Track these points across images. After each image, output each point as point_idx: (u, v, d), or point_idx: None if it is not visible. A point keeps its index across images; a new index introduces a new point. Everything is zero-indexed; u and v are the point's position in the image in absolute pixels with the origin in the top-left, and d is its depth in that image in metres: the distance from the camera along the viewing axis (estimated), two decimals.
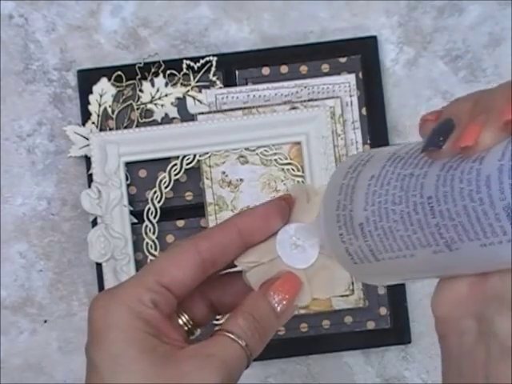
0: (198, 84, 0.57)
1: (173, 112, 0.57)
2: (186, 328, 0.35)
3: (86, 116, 0.57)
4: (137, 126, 0.57)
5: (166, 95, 0.57)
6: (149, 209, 0.57)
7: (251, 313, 0.34)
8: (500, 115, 0.26)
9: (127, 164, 0.57)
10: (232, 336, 0.33)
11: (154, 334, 0.32)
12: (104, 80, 0.57)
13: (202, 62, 0.57)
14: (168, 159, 0.57)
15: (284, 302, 0.34)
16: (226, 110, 0.57)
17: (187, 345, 0.33)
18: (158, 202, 0.57)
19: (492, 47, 0.59)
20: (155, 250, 0.57)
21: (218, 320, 0.44)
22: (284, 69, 0.58)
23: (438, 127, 0.28)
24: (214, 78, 0.57)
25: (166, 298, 0.33)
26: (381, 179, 0.29)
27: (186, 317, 0.35)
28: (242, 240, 0.35)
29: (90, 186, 0.57)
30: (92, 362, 0.32)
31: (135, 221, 0.57)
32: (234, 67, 0.58)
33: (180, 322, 0.35)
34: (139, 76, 0.57)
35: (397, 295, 0.57)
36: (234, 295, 0.36)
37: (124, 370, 0.31)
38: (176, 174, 0.57)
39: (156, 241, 0.57)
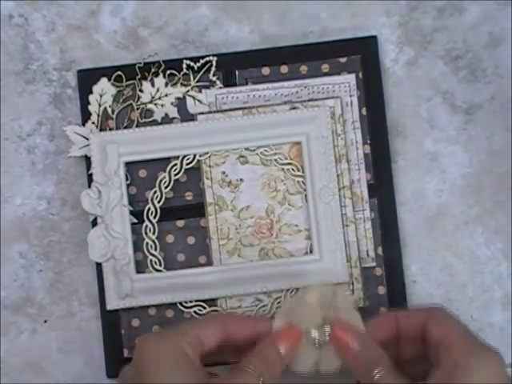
0: (198, 84, 0.57)
1: (173, 112, 0.57)
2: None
3: (86, 116, 0.57)
4: (137, 126, 0.57)
5: (166, 95, 0.57)
6: (149, 209, 0.57)
7: (269, 354, 0.47)
8: None
9: (127, 164, 0.57)
10: (251, 371, 0.45)
11: (194, 367, 0.44)
12: (104, 80, 0.57)
13: (202, 61, 0.57)
14: (168, 159, 0.57)
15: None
16: (226, 110, 0.57)
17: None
18: (158, 201, 0.57)
19: (492, 47, 0.59)
20: (155, 249, 0.57)
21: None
22: (284, 69, 0.58)
23: None
24: (214, 78, 0.57)
25: (200, 345, 0.46)
26: None
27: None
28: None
29: (89, 186, 0.57)
30: None
31: (135, 221, 0.57)
32: (234, 67, 0.58)
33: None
34: (139, 76, 0.57)
35: (397, 295, 0.57)
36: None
37: None
38: (176, 174, 0.57)
39: (156, 241, 0.57)
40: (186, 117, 0.57)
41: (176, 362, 0.44)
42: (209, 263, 0.57)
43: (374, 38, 0.58)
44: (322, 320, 0.49)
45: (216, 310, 0.56)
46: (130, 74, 0.57)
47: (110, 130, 0.57)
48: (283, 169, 0.57)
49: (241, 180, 0.57)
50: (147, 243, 0.57)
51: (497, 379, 0.44)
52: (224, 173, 0.57)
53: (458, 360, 0.45)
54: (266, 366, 0.46)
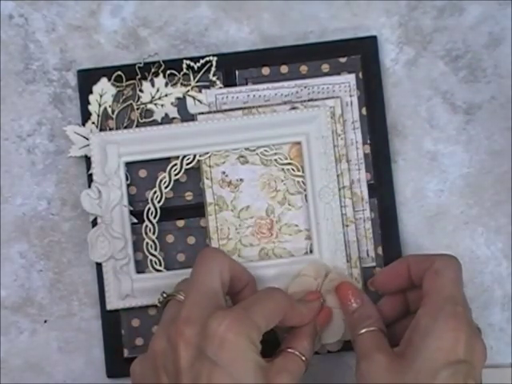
0: (198, 84, 0.57)
1: (173, 112, 0.57)
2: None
3: (86, 116, 0.57)
4: (137, 126, 0.57)
5: (166, 95, 0.57)
6: (149, 209, 0.57)
7: (310, 336, 0.50)
8: None
9: (127, 164, 0.57)
10: (299, 354, 0.49)
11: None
12: (104, 80, 0.57)
13: (202, 61, 0.57)
14: (168, 159, 0.57)
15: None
16: (226, 110, 0.57)
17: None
18: (158, 201, 0.57)
19: (492, 47, 0.59)
20: (155, 249, 0.57)
21: None
22: (284, 69, 0.58)
23: None
24: (214, 78, 0.57)
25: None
26: None
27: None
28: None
29: (89, 186, 0.57)
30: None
31: (135, 221, 0.57)
32: (234, 67, 0.58)
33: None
34: (139, 76, 0.57)
35: None
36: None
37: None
38: (176, 174, 0.57)
39: (156, 241, 0.57)
40: (186, 117, 0.57)
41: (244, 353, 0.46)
42: None
43: (373, 38, 0.58)
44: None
45: None
46: (129, 74, 0.57)
47: (110, 130, 0.57)
48: (283, 169, 0.57)
49: (241, 180, 0.57)
50: (147, 243, 0.57)
51: (446, 355, 0.44)
52: (224, 173, 0.57)
53: (420, 322, 0.46)
54: (310, 346, 0.50)
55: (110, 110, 0.57)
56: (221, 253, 0.50)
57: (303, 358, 0.49)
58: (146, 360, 0.47)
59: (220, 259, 0.49)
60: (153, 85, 0.57)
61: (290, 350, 0.49)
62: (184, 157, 0.57)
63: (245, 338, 0.45)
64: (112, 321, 0.57)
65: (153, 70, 0.57)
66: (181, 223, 0.57)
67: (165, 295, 0.50)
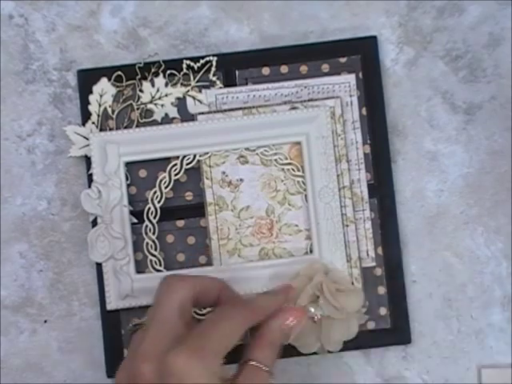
0: (198, 84, 0.57)
1: (173, 112, 0.57)
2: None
3: (86, 116, 0.57)
4: (137, 126, 0.57)
5: (166, 95, 0.57)
6: (149, 209, 0.57)
7: (272, 342, 0.47)
8: None
9: (127, 164, 0.57)
10: (262, 367, 0.46)
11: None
12: (104, 80, 0.57)
13: (202, 61, 0.57)
14: (168, 159, 0.57)
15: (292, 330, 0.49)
16: (226, 110, 0.57)
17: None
18: (158, 202, 0.57)
19: (492, 47, 0.59)
20: (155, 249, 0.57)
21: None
22: (284, 69, 0.58)
23: None
24: (214, 78, 0.57)
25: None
26: None
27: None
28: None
29: (89, 186, 0.57)
30: None
31: (135, 221, 0.57)
32: (234, 67, 0.58)
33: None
34: (139, 76, 0.57)
35: (397, 295, 0.57)
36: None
37: None
38: (176, 174, 0.57)
39: (156, 241, 0.57)
40: (186, 117, 0.57)
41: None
42: (209, 263, 0.57)
43: (373, 38, 0.58)
44: (312, 289, 0.54)
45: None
46: (129, 74, 0.57)
47: (110, 130, 0.57)
48: (283, 169, 0.57)
49: (241, 180, 0.57)
50: (147, 243, 0.57)
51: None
52: (224, 173, 0.57)
53: None
54: (271, 354, 0.47)
55: (109, 110, 0.57)
56: (179, 280, 0.47)
57: (266, 370, 0.46)
58: None
59: (178, 287, 0.47)
60: (153, 85, 0.57)
61: (251, 362, 0.46)
62: (184, 157, 0.57)
63: (204, 369, 0.43)
64: (112, 321, 0.57)
65: (153, 70, 0.57)
66: (181, 223, 0.57)
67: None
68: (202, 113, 0.57)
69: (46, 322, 0.58)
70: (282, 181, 0.57)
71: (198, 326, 0.45)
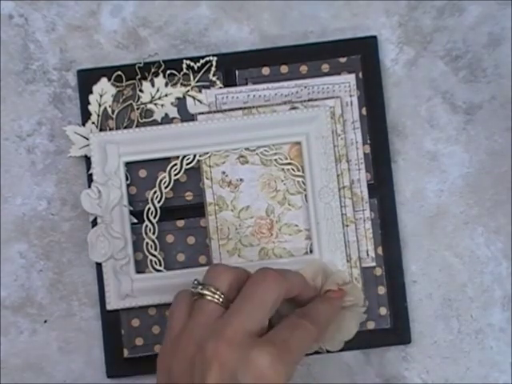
0: (198, 84, 0.57)
1: (173, 112, 0.57)
2: None
3: (86, 116, 0.57)
4: (137, 126, 0.57)
5: (166, 95, 0.57)
6: (149, 209, 0.57)
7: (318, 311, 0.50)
8: None
9: (127, 164, 0.57)
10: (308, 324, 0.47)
11: None
12: (104, 80, 0.57)
13: (202, 61, 0.57)
14: (168, 159, 0.57)
15: None
16: (225, 110, 0.57)
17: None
18: (158, 201, 0.57)
19: (492, 47, 0.59)
20: (155, 249, 0.57)
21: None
22: (284, 69, 0.58)
23: None
24: (214, 78, 0.57)
25: None
26: None
27: None
28: None
29: (89, 186, 0.57)
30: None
31: (135, 221, 0.57)
32: (234, 67, 0.58)
33: None
34: (139, 76, 0.57)
35: (397, 295, 0.57)
36: None
37: None
38: (176, 174, 0.57)
39: (156, 241, 0.57)
40: (186, 117, 0.57)
41: None
42: (209, 263, 0.57)
43: (373, 38, 0.58)
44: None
45: None
46: (130, 74, 0.57)
47: (110, 130, 0.57)
48: (283, 169, 0.57)
49: (241, 180, 0.57)
50: (147, 243, 0.57)
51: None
52: (224, 173, 0.57)
53: None
54: (322, 322, 0.49)
55: (109, 110, 0.57)
56: (282, 278, 0.48)
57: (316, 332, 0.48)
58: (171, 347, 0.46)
59: (281, 281, 0.47)
60: (153, 85, 0.57)
61: (303, 321, 0.48)
62: (184, 157, 0.57)
63: (284, 377, 0.43)
64: (112, 321, 0.57)
65: (153, 70, 0.57)
66: (181, 223, 0.57)
67: (200, 288, 0.47)
68: (202, 113, 0.57)
69: (45, 322, 0.58)
70: (282, 181, 0.57)
71: (282, 329, 0.46)
